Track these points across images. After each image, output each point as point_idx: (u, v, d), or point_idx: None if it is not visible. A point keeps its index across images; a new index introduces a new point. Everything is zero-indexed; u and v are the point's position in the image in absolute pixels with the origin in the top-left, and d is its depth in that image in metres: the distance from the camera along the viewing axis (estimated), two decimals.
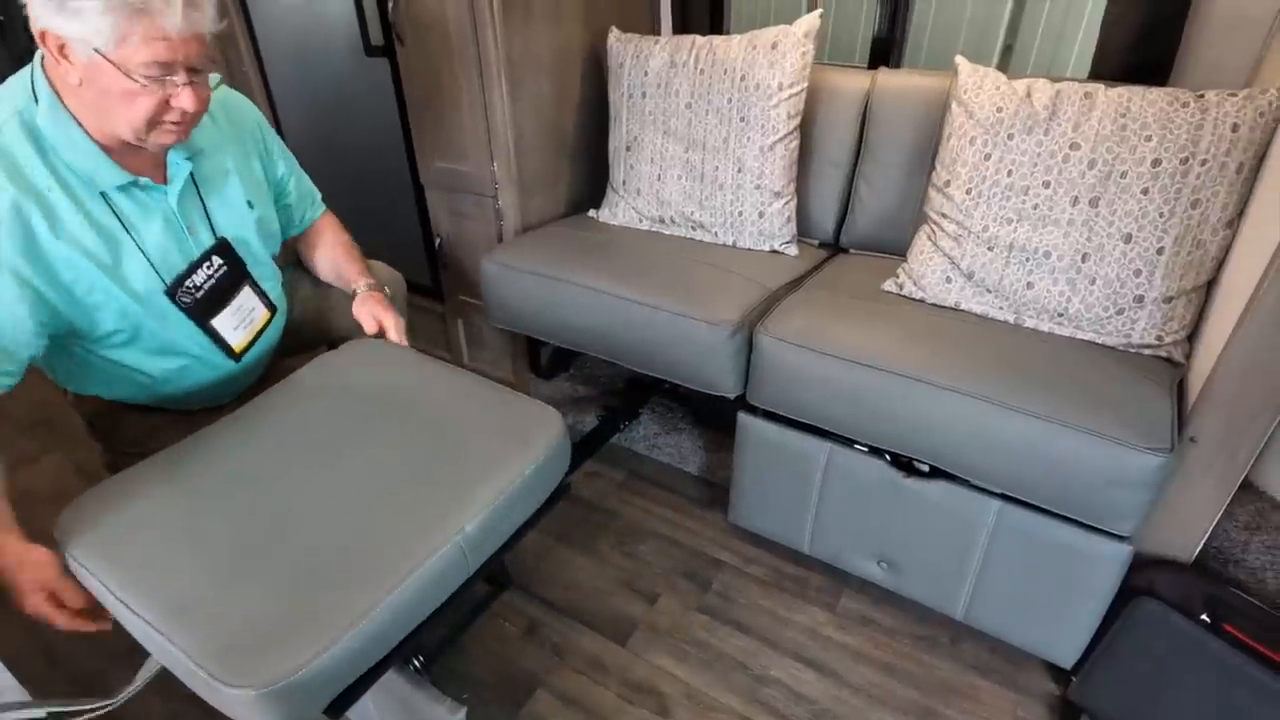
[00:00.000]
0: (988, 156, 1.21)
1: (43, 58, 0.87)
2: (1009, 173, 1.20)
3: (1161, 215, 1.09)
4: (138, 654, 1.23)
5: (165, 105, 0.88)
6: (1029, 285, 1.19)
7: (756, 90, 1.42)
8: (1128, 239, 1.12)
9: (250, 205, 1.13)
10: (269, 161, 1.19)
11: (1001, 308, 1.23)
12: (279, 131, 2.03)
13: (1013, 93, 1.21)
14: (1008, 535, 1.10)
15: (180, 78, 0.87)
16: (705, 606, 1.31)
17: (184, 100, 0.88)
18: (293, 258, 1.36)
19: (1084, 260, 1.15)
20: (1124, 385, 1.04)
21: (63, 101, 0.88)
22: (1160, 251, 1.10)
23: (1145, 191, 1.10)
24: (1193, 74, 1.30)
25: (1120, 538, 1.01)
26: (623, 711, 1.12)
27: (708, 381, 1.31)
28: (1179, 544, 1.07)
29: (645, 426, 1.78)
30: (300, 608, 0.72)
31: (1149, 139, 1.09)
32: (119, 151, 0.93)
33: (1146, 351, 1.14)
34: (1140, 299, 1.12)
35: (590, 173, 1.80)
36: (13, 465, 1.70)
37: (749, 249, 1.53)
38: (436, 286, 1.92)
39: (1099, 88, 1.16)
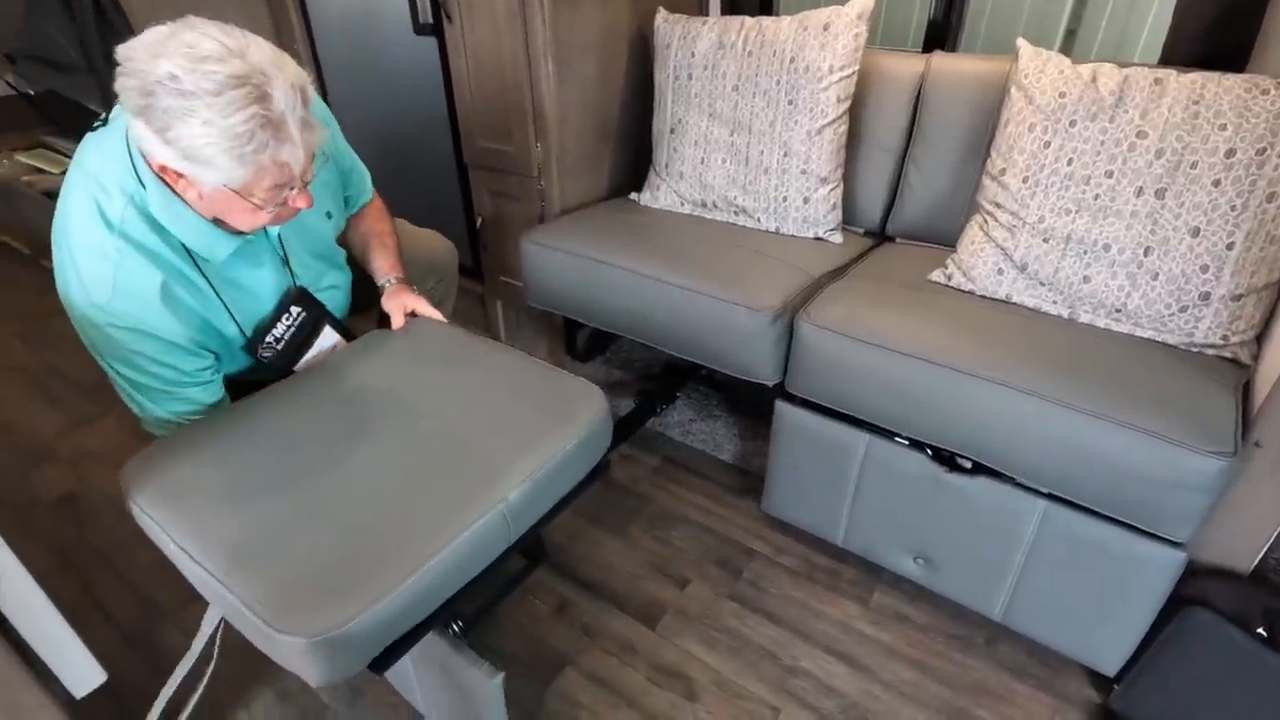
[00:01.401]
0: (1047, 144, 1.17)
1: (140, 150, 0.85)
2: (1069, 161, 1.15)
3: (1233, 208, 1.04)
4: (187, 611, 1.28)
5: (283, 207, 0.89)
6: (1086, 279, 1.15)
7: (806, 73, 1.39)
8: (1195, 233, 1.06)
9: (329, 216, 1.13)
10: (340, 160, 1.18)
11: (1055, 302, 1.19)
12: (327, 103, 2.06)
13: (1077, 77, 1.16)
14: (1053, 536, 1.06)
15: (297, 187, 0.88)
16: (736, 594, 1.30)
17: (299, 202, 0.90)
18: None
19: (1146, 254, 1.10)
20: (1185, 385, 1.00)
21: (171, 188, 0.87)
22: (1230, 247, 1.05)
23: (1217, 183, 1.04)
24: (1273, 60, 1.22)
25: (1174, 543, 0.97)
26: (650, 693, 1.13)
27: (746, 368, 1.30)
28: (1237, 553, 1.03)
29: (680, 412, 1.77)
30: (350, 564, 0.74)
31: (1223, 128, 1.04)
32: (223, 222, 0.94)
33: (1210, 351, 1.09)
34: (1206, 296, 1.07)
35: (633, 155, 1.79)
36: (70, 426, 1.78)
37: (792, 235, 1.50)
38: (477, 267, 1.93)
39: (1170, 73, 1.10)
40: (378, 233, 1.26)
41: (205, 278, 0.95)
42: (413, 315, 1.19)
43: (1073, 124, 1.15)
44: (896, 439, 1.18)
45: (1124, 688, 1.07)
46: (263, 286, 1.03)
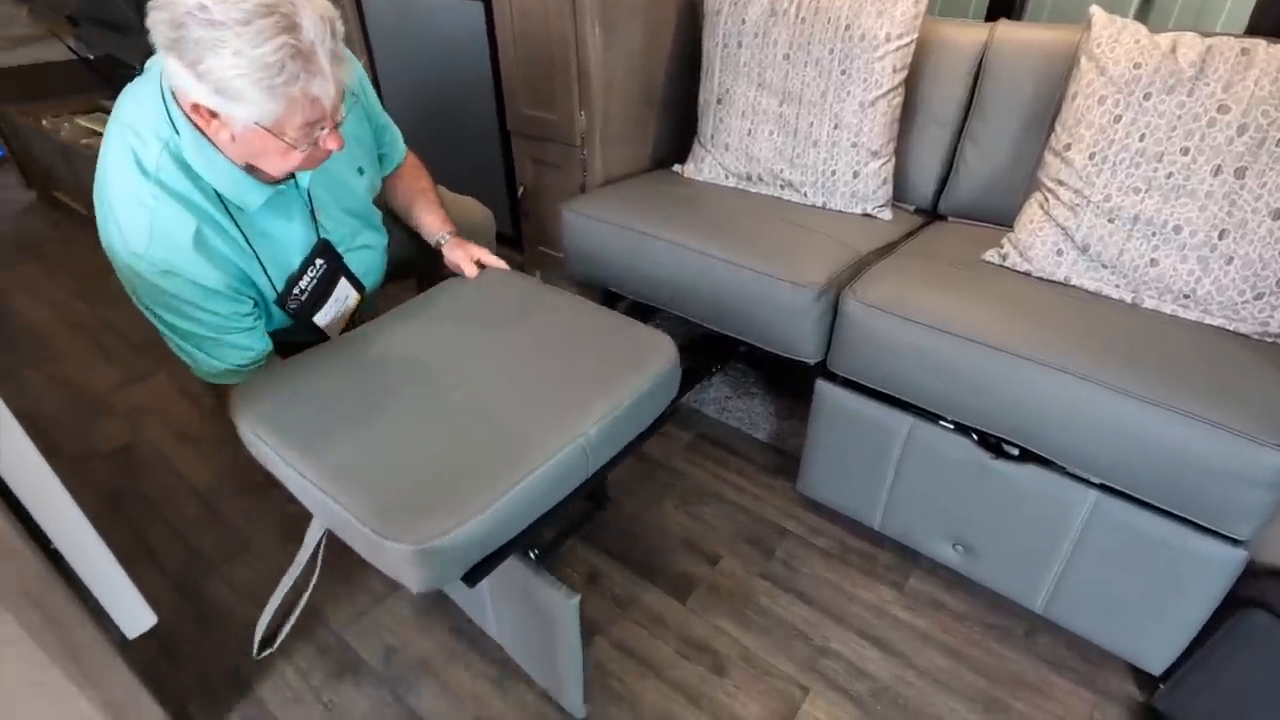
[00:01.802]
0: (1118, 118, 1.10)
1: (173, 88, 0.85)
2: (1141, 137, 1.09)
3: None
4: (231, 565, 1.32)
5: (315, 148, 0.90)
6: (1152, 262, 1.09)
7: (861, 41, 1.33)
8: (1277, 215, 1.00)
9: (360, 171, 1.14)
10: (372, 114, 1.18)
11: (1118, 285, 1.13)
12: (373, 73, 2.07)
13: (1155, 47, 1.09)
14: (1103, 528, 1.02)
15: (328, 127, 0.88)
16: (768, 573, 1.29)
17: (330, 144, 0.90)
18: None
19: (1221, 237, 1.04)
20: (1256, 376, 0.94)
21: (204, 134, 0.88)
22: None
23: None
24: None
25: (1234, 541, 0.93)
26: (678, 666, 1.13)
27: (788, 345, 1.27)
28: None
29: (717, 389, 1.75)
30: (447, 484, 0.80)
31: None
32: (256, 169, 0.95)
33: None
34: None
35: (677, 126, 1.76)
36: (124, 381, 1.84)
37: (839, 211, 1.46)
38: (517, 236, 1.93)
39: (1259, 43, 1.03)
40: (420, 190, 1.26)
41: (238, 227, 0.96)
42: (479, 265, 1.22)
43: (1147, 97, 1.08)
44: (941, 422, 1.14)
45: (1170, 687, 1.04)
46: (293, 240, 1.04)
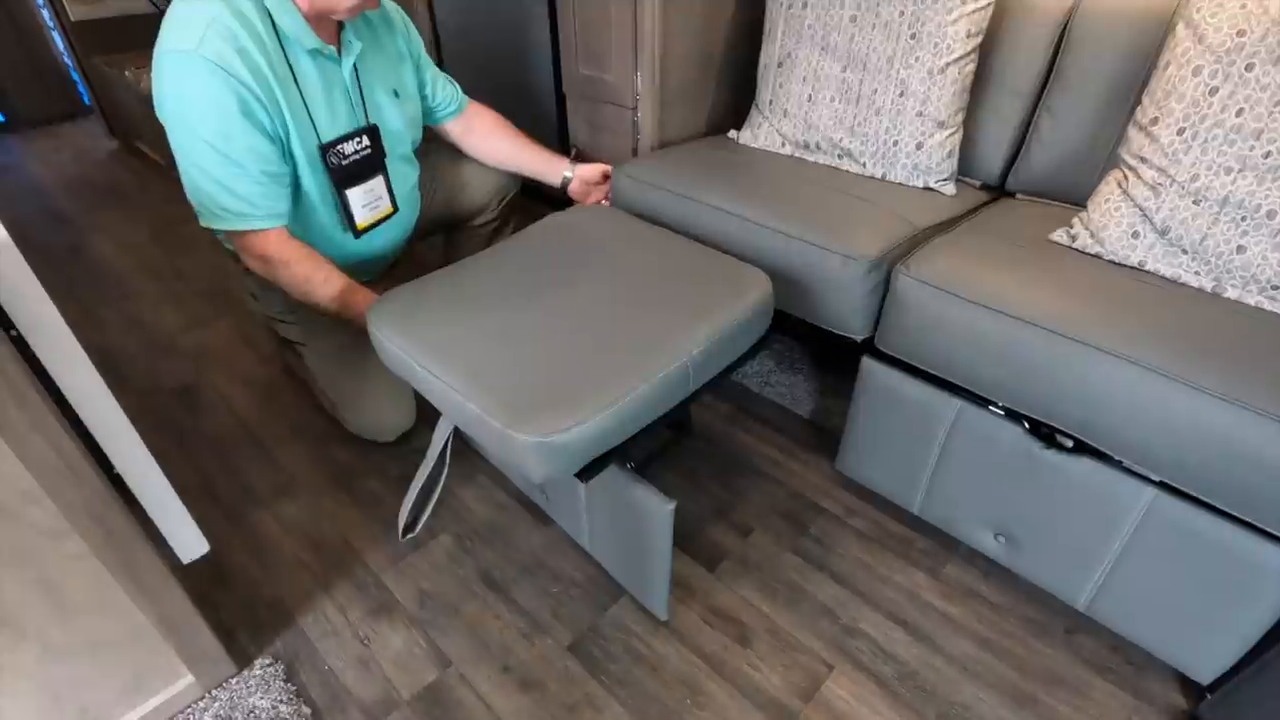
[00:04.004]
0: (1214, 90, 1.02)
1: None
2: (1239, 111, 1.00)
3: None
4: (278, 502, 1.38)
5: None
6: (1239, 249, 1.01)
7: (935, 3, 1.26)
8: None
9: (396, 94, 1.24)
10: (414, 49, 1.30)
11: (1198, 273, 1.05)
12: (433, 28, 2.07)
13: (1263, 13, 0.99)
14: (1159, 528, 0.97)
15: None
16: (800, 549, 1.27)
17: None
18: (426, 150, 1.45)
19: None
20: None
21: None
22: None
23: None
24: None
25: None
26: (702, 632, 1.13)
27: (835, 320, 1.24)
28: None
29: (760, 363, 1.73)
30: (569, 388, 0.88)
31: None
32: (313, 20, 1.07)
33: None
34: None
35: (734, 91, 1.71)
36: (191, 325, 1.93)
37: (899, 183, 1.40)
38: (567, 199, 1.92)
39: None
40: (515, 134, 1.49)
41: (290, 70, 1.07)
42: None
43: (1249, 68, 0.99)
44: (991, 408, 1.10)
45: (1218, 699, 0.99)
46: (332, 107, 1.14)
